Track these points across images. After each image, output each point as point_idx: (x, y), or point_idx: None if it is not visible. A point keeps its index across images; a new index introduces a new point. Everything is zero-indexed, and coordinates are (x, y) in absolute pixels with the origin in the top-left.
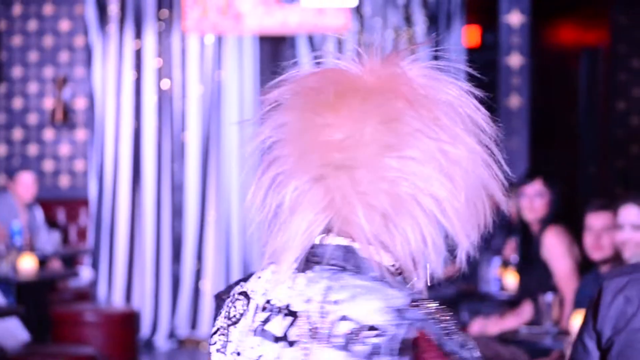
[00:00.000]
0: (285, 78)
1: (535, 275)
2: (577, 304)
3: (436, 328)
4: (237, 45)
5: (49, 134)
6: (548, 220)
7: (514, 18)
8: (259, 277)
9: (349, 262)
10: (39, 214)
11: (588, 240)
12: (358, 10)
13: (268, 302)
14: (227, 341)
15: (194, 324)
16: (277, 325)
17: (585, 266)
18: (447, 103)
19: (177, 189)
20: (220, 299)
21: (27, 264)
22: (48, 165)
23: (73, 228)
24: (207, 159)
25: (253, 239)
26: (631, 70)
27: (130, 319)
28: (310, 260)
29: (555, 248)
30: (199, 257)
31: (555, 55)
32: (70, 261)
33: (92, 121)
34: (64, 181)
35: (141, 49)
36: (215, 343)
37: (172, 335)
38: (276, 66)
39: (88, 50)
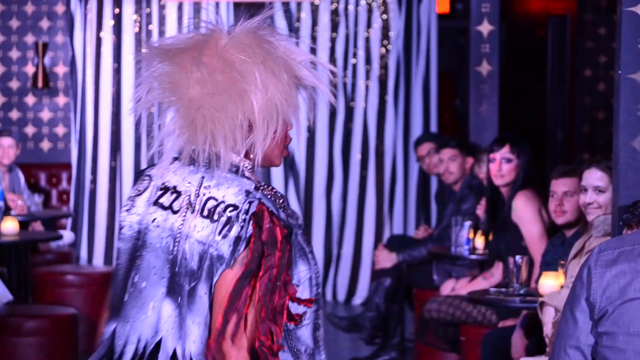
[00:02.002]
0: (173, 37)
1: (505, 238)
2: (545, 266)
3: (272, 203)
4: (214, 12)
5: (30, 99)
6: (517, 185)
7: None
8: (159, 167)
9: (216, 161)
10: (21, 177)
11: (551, 205)
12: None
13: (163, 184)
14: (133, 206)
15: None
16: (166, 199)
17: (553, 230)
18: (271, 56)
19: (156, 153)
20: (137, 176)
21: (9, 226)
22: (29, 130)
23: (54, 192)
24: None
25: None
26: (597, 38)
27: (110, 280)
28: (192, 159)
29: (524, 212)
30: None
31: (523, 22)
32: (52, 224)
33: (73, 87)
34: (45, 146)
35: (120, 17)
36: (126, 206)
37: None
38: None
39: (68, 17)
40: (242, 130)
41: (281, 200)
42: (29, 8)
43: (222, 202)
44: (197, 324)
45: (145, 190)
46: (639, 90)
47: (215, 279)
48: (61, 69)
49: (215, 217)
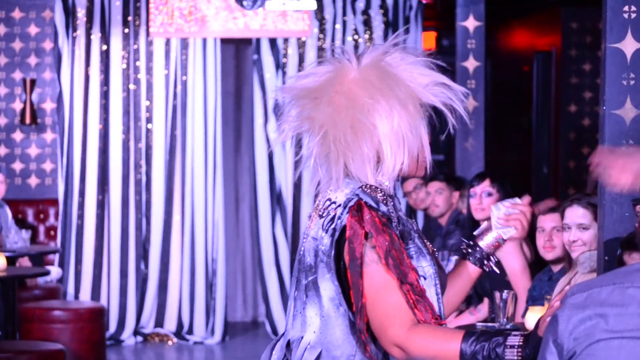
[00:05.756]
0: (308, 72)
1: (489, 274)
2: (532, 301)
3: (370, 198)
4: (201, 48)
5: (18, 135)
6: None
7: (470, 23)
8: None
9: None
10: (9, 213)
11: (540, 241)
12: (318, 15)
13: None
14: (309, 220)
15: (159, 319)
16: (313, 207)
17: (539, 265)
18: (394, 90)
19: (144, 189)
20: None
21: None
22: (17, 166)
23: (42, 227)
24: (172, 159)
25: (216, 236)
26: (582, 74)
27: (97, 315)
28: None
29: (505, 247)
30: (165, 254)
31: (509, 58)
32: (39, 260)
33: (60, 123)
34: (33, 181)
35: (108, 53)
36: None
37: (138, 331)
38: (239, 68)
39: (56, 54)
40: (370, 164)
41: (381, 195)
42: (17, 45)
43: (334, 202)
44: (318, 315)
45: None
46: (624, 125)
47: (334, 273)
48: (49, 105)
49: (324, 214)
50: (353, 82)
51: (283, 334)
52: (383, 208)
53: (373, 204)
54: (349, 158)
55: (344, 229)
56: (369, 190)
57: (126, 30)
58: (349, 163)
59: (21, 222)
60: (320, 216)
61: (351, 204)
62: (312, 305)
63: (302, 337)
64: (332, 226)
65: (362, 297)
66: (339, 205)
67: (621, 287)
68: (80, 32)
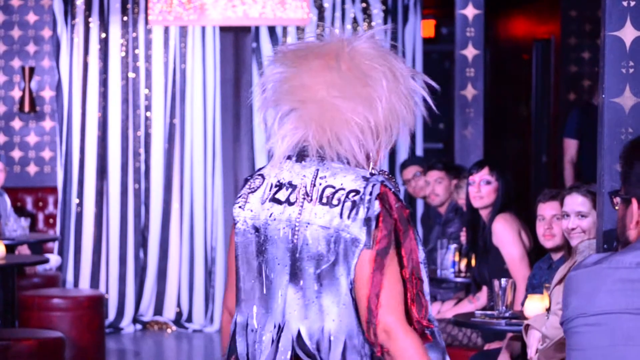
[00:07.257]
0: (298, 44)
1: (487, 262)
2: (531, 289)
3: (390, 184)
4: (200, 36)
5: (17, 123)
6: (496, 208)
7: (469, 11)
8: (271, 167)
9: (326, 155)
10: (7, 201)
11: (540, 229)
12: (317, 3)
13: (278, 181)
14: (246, 202)
15: (159, 307)
16: (282, 194)
17: (539, 253)
18: (395, 66)
19: (143, 177)
20: (245, 180)
21: None
22: (16, 154)
23: (41, 215)
24: (171, 147)
25: (215, 224)
26: (581, 62)
27: (96, 303)
28: (302, 154)
29: (504, 235)
30: (164, 242)
31: (508, 46)
32: (38, 248)
33: (59, 111)
34: (32, 169)
35: (107, 41)
36: (238, 202)
37: (137, 319)
38: (238, 56)
39: (55, 42)
40: (372, 134)
41: (395, 183)
42: (16, 32)
43: (342, 188)
44: (335, 303)
45: (258, 188)
46: (623, 113)
47: (354, 261)
48: (47, 93)
49: (335, 202)
50: (358, 54)
51: (282, 327)
52: (401, 197)
53: (396, 192)
54: (345, 125)
55: (377, 216)
56: (387, 177)
57: (125, 18)
58: (345, 130)
59: (20, 210)
60: (325, 203)
61: (376, 190)
62: (328, 293)
63: (322, 327)
64: (364, 216)
65: (380, 285)
66: (355, 192)
67: (599, 267)
68: (79, 19)
